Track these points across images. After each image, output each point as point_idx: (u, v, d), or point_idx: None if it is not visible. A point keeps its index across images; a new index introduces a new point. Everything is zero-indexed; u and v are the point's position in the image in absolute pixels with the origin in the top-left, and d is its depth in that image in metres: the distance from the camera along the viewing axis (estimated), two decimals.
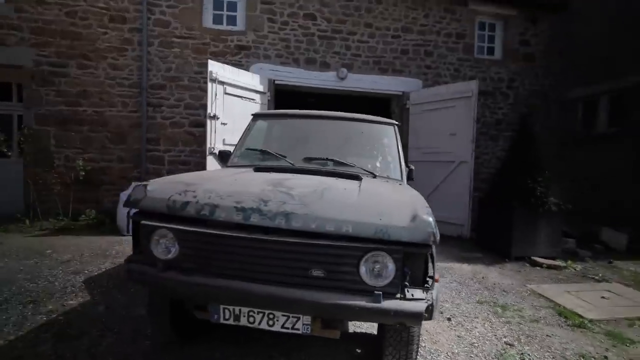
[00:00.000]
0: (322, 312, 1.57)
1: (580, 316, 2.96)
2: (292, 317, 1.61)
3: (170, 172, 5.91)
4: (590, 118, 6.98)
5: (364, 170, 2.65)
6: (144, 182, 1.80)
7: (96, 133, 5.66)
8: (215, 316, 1.67)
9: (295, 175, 2.34)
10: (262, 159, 2.79)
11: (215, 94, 4.97)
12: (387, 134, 3.00)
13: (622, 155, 6.12)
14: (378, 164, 2.77)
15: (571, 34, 7.14)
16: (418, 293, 1.57)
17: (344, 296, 1.52)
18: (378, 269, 1.55)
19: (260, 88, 5.80)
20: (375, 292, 1.51)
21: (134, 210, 1.80)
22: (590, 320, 2.90)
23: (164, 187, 1.77)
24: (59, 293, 2.88)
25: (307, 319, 1.62)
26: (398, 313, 1.49)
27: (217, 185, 1.86)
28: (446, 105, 5.94)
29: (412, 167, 2.97)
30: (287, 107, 3.85)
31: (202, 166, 5.89)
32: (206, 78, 5.86)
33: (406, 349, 1.85)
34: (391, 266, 1.54)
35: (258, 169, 2.52)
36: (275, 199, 1.66)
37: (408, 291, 1.56)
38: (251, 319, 1.63)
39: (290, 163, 2.63)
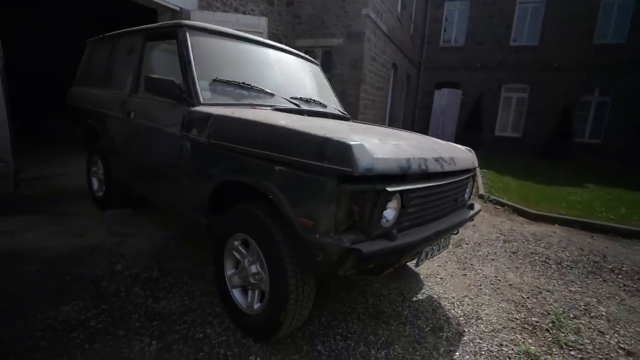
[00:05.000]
0: (462, 226, 2.07)
1: None
2: (445, 238, 1.99)
3: None
4: None
5: (340, 111, 2.85)
6: (340, 139, 1.30)
7: None
8: (419, 261, 1.73)
9: (328, 119, 2.26)
10: (242, 95, 2.22)
11: None
12: (322, 74, 3.16)
13: None
14: (334, 105, 2.98)
15: None
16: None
17: (466, 211, 2.13)
18: (469, 189, 2.24)
19: None
20: (470, 203, 2.24)
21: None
22: None
23: (370, 144, 1.39)
24: None
25: (450, 236, 2.06)
26: (478, 212, 2.30)
27: (378, 135, 1.66)
28: None
29: None
30: None
31: None
32: None
33: None
34: (471, 185, 2.28)
35: (277, 110, 2.12)
36: (431, 146, 1.85)
37: None
38: (431, 253, 1.85)
39: (296, 105, 2.36)
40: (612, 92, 12.90)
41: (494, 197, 5.26)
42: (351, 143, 1.28)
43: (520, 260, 3.13)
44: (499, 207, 5.02)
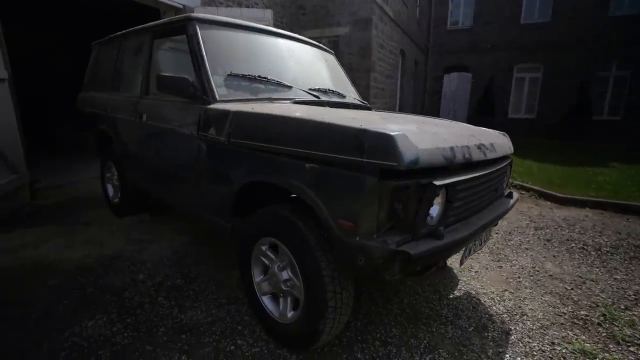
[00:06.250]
0: (503, 216, 1.92)
1: None
2: (487, 232, 1.85)
3: None
4: None
5: (360, 101, 2.71)
6: (379, 130, 1.17)
7: None
8: (463, 259, 1.59)
9: (352, 110, 2.11)
10: (259, 90, 2.08)
11: None
12: (337, 63, 3.00)
13: None
14: (353, 95, 2.83)
15: None
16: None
17: (505, 200, 1.97)
18: (507, 177, 2.08)
19: None
20: (509, 192, 2.08)
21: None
22: None
23: (411, 134, 1.25)
24: None
25: (490, 229, 1.91)
26: (517, 201, 2.15)
27: (413, 123, 1.53)
28: None
29: None
30: None
31: None
32: None
33: None
34: (509, 173, 2.12)
35: (297, 103, 1.99)
36: (469, 133, 1.69)
37: None
38: (474, 248, 1.71)
39: (316, 96, 2.22)
40: (631, 65, 12.36)
41: (517, 182, 5.05)
42: (392, 134, 1.14)
43: (556, 248, 2.96)
44: (524, 192, 4.82)
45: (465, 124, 2.06)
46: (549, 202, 4.45)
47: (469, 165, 1.47)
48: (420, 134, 1.30)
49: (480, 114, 14.07)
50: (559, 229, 3.43)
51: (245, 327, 1.78)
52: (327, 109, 1.90)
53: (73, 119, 7.16)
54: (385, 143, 1.14)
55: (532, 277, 2.45)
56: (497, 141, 1.84)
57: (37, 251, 2.52)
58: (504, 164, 1.86)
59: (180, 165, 2.13)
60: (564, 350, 1.71)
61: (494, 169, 1.66)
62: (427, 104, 16.13)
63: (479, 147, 1.56)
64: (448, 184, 1.28)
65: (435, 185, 1.19)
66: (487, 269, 2.56)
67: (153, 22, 2.48)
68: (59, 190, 4.14)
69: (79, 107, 3.65)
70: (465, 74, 14.55)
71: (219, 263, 2.45)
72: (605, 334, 1.85)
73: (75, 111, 3.73)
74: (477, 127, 1.98)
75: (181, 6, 5.64)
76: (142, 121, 2.40)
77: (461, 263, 1.64)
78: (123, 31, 2.89)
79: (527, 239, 3.16)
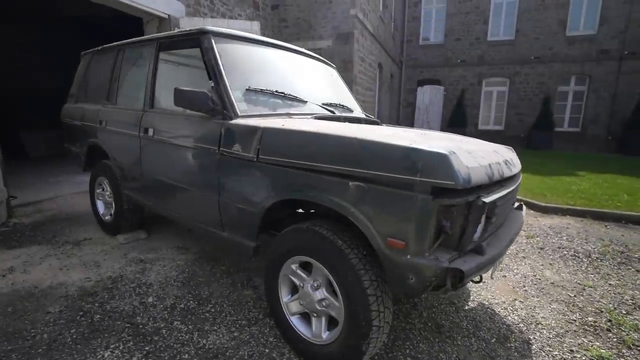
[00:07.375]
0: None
1: None
2: None
3: None
4: None
5: (367, 115, 2.74)
6: (432, 149, 1.18)
7: None
8: (493, 272, 1.63)
9: (374, 126, 2.14)
10: (277, 105, 2.07)
11: None
12: (339, 77, 3.04)
13: None
14: (359, 109, 2.86)
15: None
16: None
17: (518, 212, 2.05)
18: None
19: None
20: (519, 204, 2.17)
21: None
22: None
23: (458, 152, 1.27)
24: None
25: None
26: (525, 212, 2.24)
27: (445, 140, 1.56)
28: None
29: None
30: None
31: None
32: None
33: None
34: None
35: (318, 118, 2.01)
36: (492, 149, 1.76)
37: None
38: (499, 260, 1.75)
39: (331, 111, 2.24)
40: (588, 81, 13.39)
41: None
42: (446, 153, 1.16)
43: (551, 256, 3.11)
44: None
45: (481, 140, 2.14)
46: (532, 211, 4.67)
47: (501, 181, 1.53)
48: (462, 152, 1.33)
49: (452, 126, 14.63)
50: (548, 237, 3.60)
51: (273, 350, 1.72)
52: (349, 124, 1.91)
53: (47, 130, 6.76)
54: (440, 162, 1.15)
55: (536, 286, 2.54)
56: (513, 156, 1.92)
57: (29, 275, 2.32)
58: (521, 177, 1.95)
59: (196, 182, 2.05)
60: (583, 358, 1.77)
61: (517, 184, 1.73)
62: (401, 116, 16.61)
63: (506, 162, 1.62)
64: (491, 200, 1.32)
65: (484, 202, 1.23)
66: (493, 278, 2.63)
67: (159, 34, 2.40)
68: (37, 207, 3.86)
69: (63, 118, 3.44)
70: (438, 87, 15.16)
71: (228, 281, 2.36)
72: (615, 339, 1.95)
73: (52, 122, 3.52)
74: (493, 144, 2.06)
75: (166, 16, 5.52)
76: (148, 135, 2.30)
77: (492, 275, 1.68)
78: (121, 41, 2.78)
79: (522, 248, 3.29)
